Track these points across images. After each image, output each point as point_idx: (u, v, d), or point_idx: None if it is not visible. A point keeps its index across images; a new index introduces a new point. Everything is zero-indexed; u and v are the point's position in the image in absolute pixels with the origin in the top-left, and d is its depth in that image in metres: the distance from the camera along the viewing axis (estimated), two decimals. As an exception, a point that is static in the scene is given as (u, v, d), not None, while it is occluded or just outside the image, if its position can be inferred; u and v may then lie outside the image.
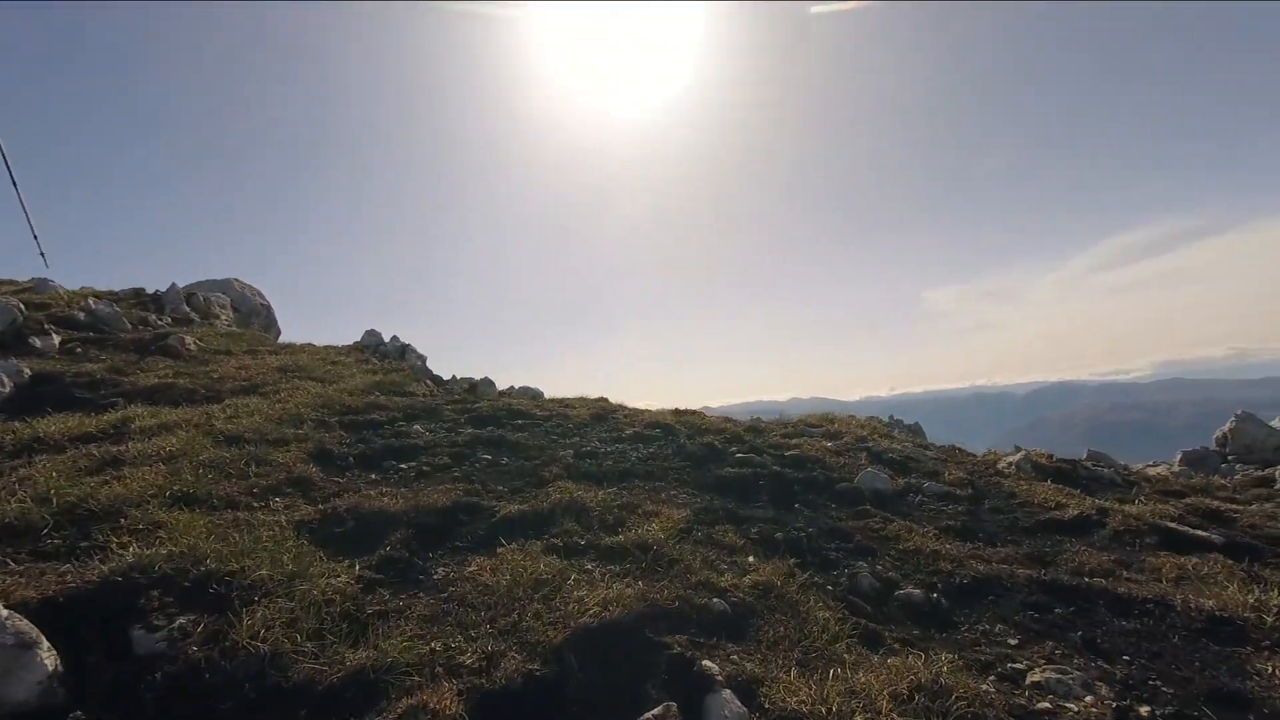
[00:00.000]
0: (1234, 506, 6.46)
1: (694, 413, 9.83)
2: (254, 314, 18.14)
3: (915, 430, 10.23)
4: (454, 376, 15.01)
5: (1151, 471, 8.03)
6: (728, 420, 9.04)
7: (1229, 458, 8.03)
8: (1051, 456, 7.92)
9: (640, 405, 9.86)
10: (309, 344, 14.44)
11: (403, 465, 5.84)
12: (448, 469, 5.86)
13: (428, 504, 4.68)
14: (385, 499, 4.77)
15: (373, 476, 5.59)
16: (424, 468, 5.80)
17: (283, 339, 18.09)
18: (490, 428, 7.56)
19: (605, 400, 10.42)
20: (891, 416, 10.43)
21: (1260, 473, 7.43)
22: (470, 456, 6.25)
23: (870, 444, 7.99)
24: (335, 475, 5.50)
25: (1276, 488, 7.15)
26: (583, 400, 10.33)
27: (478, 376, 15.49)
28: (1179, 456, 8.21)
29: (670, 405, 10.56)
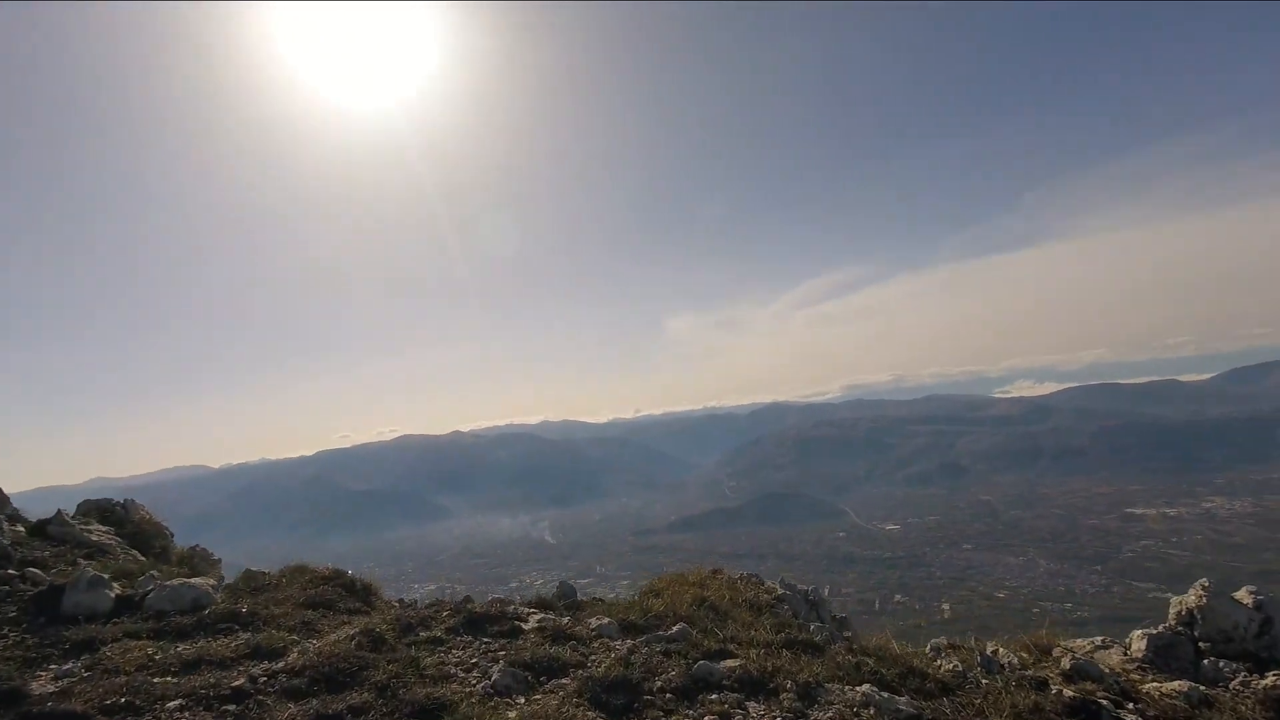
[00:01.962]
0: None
1: (489, 613, 5.74)
2: None
3: (816, 602, 7.29)
4: (61, 515, 8.84)
5: (1140, 681, 5.90)
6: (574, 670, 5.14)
7: (1201, 645, 6.35)
8: (1063, 697, 5.32)
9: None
10: None
11: None
12: None
13: None
14: None
15: None
16: None
17: None
18: None
19: (333, 600, 5.82)
20: (783, 579, 7.39)
21: (1270, 681, 5.65)
22: None
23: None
24: None
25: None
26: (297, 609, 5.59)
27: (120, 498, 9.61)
28: (1145, 641, 6.37)
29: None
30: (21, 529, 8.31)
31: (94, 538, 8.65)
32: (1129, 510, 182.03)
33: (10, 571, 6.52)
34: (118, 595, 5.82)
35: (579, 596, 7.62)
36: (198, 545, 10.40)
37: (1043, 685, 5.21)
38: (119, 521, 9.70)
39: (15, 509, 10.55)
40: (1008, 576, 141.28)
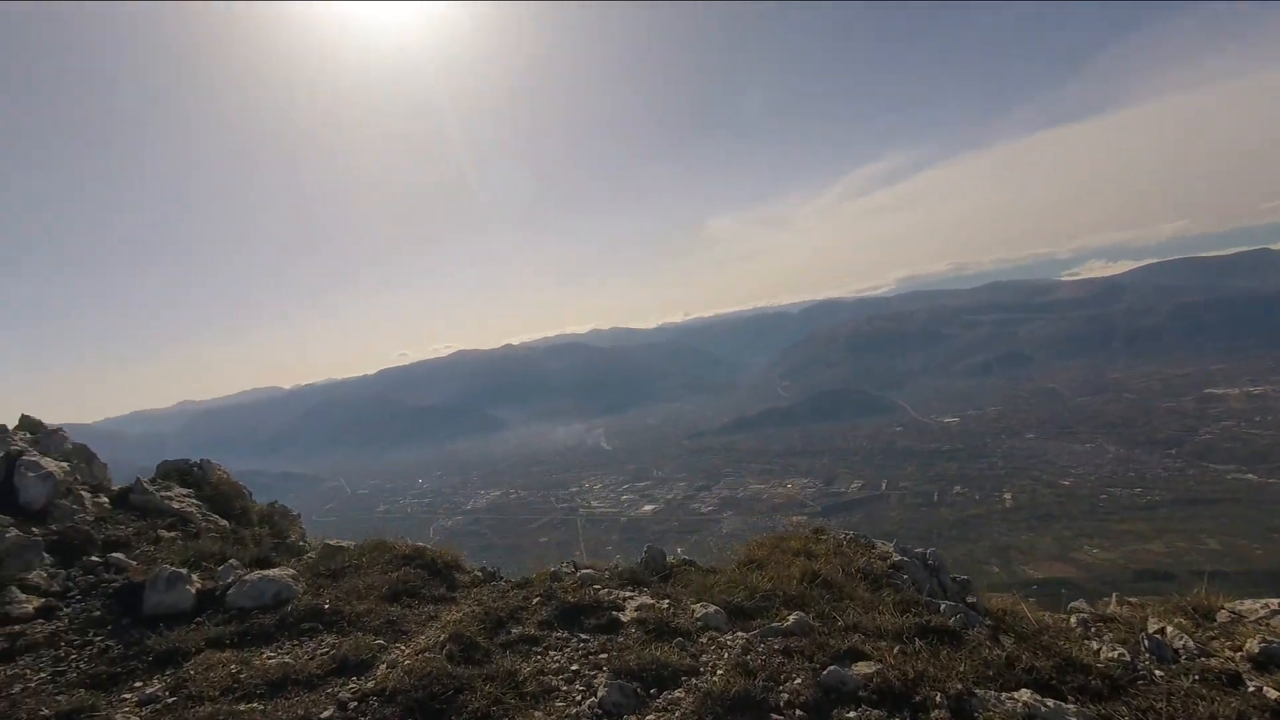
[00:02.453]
0: None
1: (582, 603, 5.27)
2: None
3: (937, 567, 6.60)
4: (141, 484, 8.79)
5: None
6: None
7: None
8: None
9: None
10: None
11: None
12: None
13: None
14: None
15: None
16: None
17: None
18: None
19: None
20: (897, 542, 6.70)
21: None
22: None
23: None
24: None
25: None
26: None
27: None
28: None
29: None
30: (105, 500, 8.25)
31: (175, 504, 8.58)
32: (1209, 391, 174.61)
33: (94, 559, 6.37)
34: (198, 590, 5.57)
35: (668, 559, 7.15)
36: (276, 502, 10.38)
37: (1235, 680, 4.46)
38: (198, 483, 9.67)
39: (103, 475, 10.68)
40: (1073, 464, 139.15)
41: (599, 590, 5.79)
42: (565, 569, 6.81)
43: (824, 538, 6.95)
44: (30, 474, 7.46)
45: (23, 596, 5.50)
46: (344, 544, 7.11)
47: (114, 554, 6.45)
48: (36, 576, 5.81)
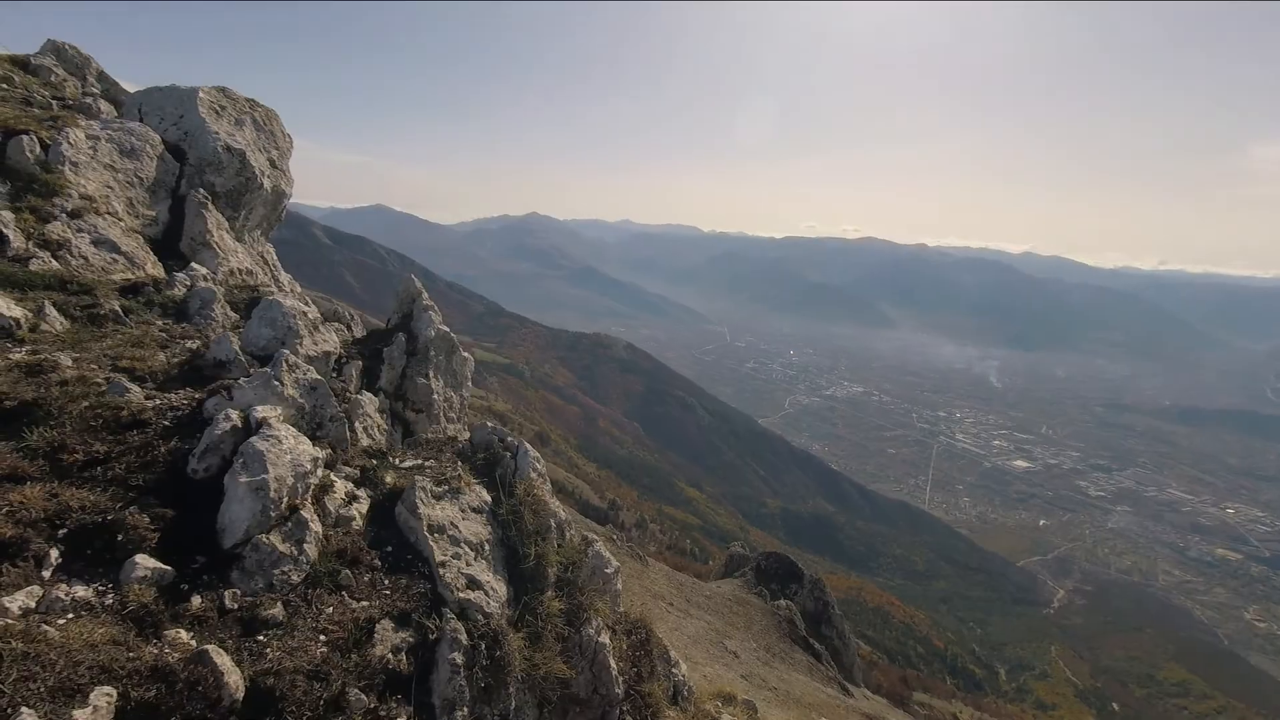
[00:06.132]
0: None
1: None
2: (164, 184, 9.27)
3: None
4: (415, 499, 5.73)
5: None
6: None
7: None
8: None
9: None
10: None
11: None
12: None
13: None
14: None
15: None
16: None
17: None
18: None
19: None
20: None
21: None
22: None
23: None
24: None
25: None
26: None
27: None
28: None
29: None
30: (360, 510, 5.28)
31: (439, 550, 5.24)
32: None
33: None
34: None
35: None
36: (591, 542, 6.72)
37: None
38: (501, 485, 6.39)
39: (462, 370, 8.28)
40: None
41: None
42: None
43: None
44: (243, 478, 4.57)
45: None
46: None
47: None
48: None
